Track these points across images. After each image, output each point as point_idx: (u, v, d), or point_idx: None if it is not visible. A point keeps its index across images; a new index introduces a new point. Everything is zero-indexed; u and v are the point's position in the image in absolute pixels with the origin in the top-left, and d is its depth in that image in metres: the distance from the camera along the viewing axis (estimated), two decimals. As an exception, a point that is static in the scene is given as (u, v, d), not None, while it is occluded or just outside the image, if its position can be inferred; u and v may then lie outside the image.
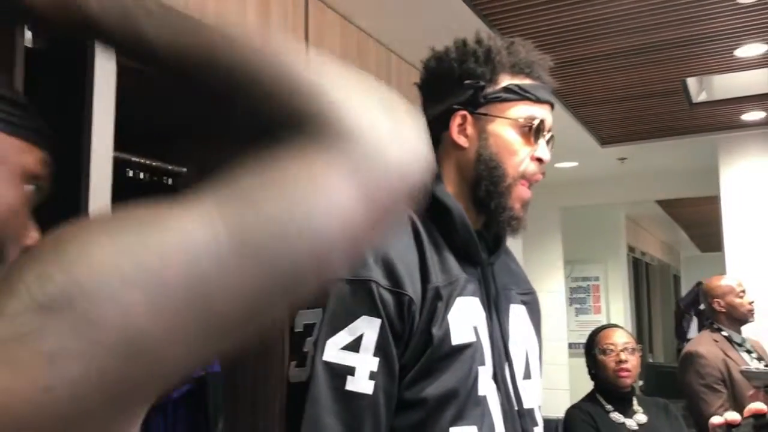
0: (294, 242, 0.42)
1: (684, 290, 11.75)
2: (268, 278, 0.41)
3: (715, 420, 0.99)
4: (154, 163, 2.38)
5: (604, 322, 6.66)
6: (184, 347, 0.41)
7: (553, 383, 6.12)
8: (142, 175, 2.41)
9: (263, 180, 0.42)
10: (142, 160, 2.33)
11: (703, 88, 4.21)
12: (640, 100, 4.14)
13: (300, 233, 0.42)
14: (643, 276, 9.19)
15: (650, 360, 9.06)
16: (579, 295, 7.71)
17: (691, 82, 3.96)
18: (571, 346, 6.47)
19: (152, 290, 0.39)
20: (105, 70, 1.54)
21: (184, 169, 2.48)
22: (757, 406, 0.97)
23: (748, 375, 1.82)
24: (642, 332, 8.81)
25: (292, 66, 0.46)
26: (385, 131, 0.46)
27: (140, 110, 2.33)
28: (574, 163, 5.72)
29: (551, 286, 6.50)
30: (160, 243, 0.39)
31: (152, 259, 0.39)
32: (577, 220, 6.92)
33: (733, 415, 0.98)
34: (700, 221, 8.82)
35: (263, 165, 0.43)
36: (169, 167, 2.44)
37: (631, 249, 8.24)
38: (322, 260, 0.43)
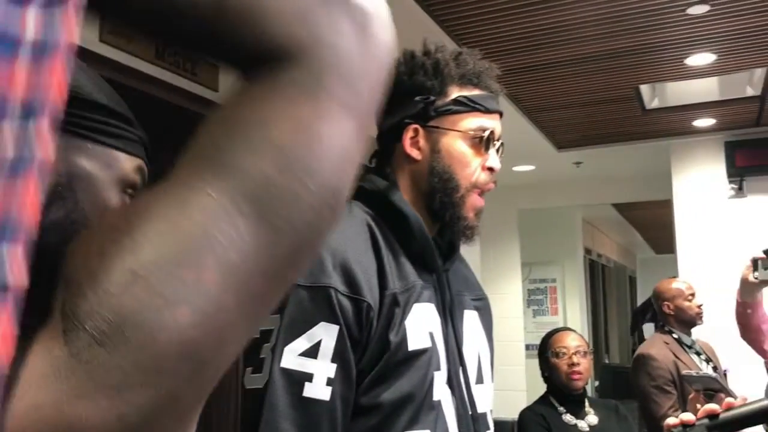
0: (306, 199, 0.41)
1: (640, 292, 11.99)
2: (290, 242, 0.41)
3: (671, 421, 1.04)
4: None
5: (561, 324, 6.77)
6: (236, 341, 0.42)
7: (510, 384, 6.19)
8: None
9: (257, 141, 0.40)
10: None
11: (656, 95, 4.31)
12: (594, 106, 4.22)
13: (310, 189, 0.41)
14: (599, 278, 9.36)
15: (606, 361, 9.22)
16: (536, 297, 7.81)
17: (644, 89, 4.05)
18: (528, 347, 6.55)
19: (196, 301, 0.39)
20: None
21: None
22: (711, 406, 1.03)
23: (689, 379, 1.87)
24: (598, 333, 8.97)
25: None
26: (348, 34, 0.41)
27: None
28: (531, 167, 5.80)
29: (508, 288, 6.57)
30: (187, 249, 0.39)
31: (187, 271, 0.39)
32: (534, 222, 7.02)
33: (688, 416, 1.03)
34: (654, 224, 9.02)
35: (251, 119, 0.40)
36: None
37: (587, 251, 8.39)
38: (333, 203, 0.43)
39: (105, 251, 0.40)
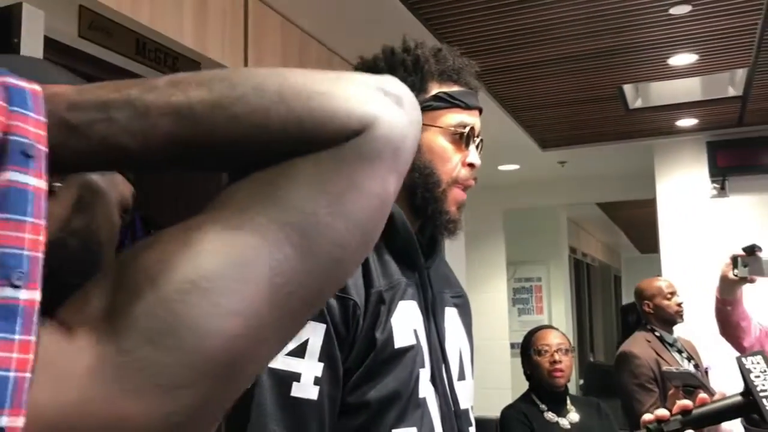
0: (345, 238, 0.49)
1: (625, 291, 12.07)
2: (326, 272, 0.49)
3: (646, 417, 1.06)
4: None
5: (547, 323, 6.80)
6: (268, 355, 0.49)
7: (496, 382, 6.21)
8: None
9: (314, 187, 0.48)
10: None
11: (639, 95, 4.34)
12: (578, 106, 4.24)
13: (350, 231, 0.49)
14: (584, 277, 9.41)
15: (591, 359, 9.27)
16: (522, 296, 7.84)
17: (628, 89, 4.07)
18: (513, 346, 6.57)
19: (245, 314, 0.44)
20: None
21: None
22: (684, 402, 1.05)
23: (669, 375, 1.89)
24: (583, 332, 9.02)
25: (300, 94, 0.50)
26: (394, 113, 0.51)
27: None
28: (516, 166, 5.82)
29: (494, 287, 6.59)
30: (242, 268, 0.45)
31: (241, 286, 0.44)
32: (519, 222, 7.04)
33: (662, 412, 1.05)
34: (639, 223, 9.08)
35: (302, 173, 0.48)
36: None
37: (572, 250, 8.43)
38: (367, 243, 0.52)
39: (165, 260, 0.44)
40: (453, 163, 1.20)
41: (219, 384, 0.45)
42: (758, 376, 1.04)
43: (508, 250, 6.70)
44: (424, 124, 1.20)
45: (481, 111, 1.27)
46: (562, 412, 2.58)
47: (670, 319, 3.26)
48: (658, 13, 2.92)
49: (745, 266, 2.39)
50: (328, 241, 0.48)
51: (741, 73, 3.83)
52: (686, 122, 4.70)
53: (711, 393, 1.14)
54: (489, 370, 6.32)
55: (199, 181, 2.36)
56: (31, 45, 1.51)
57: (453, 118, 1.21)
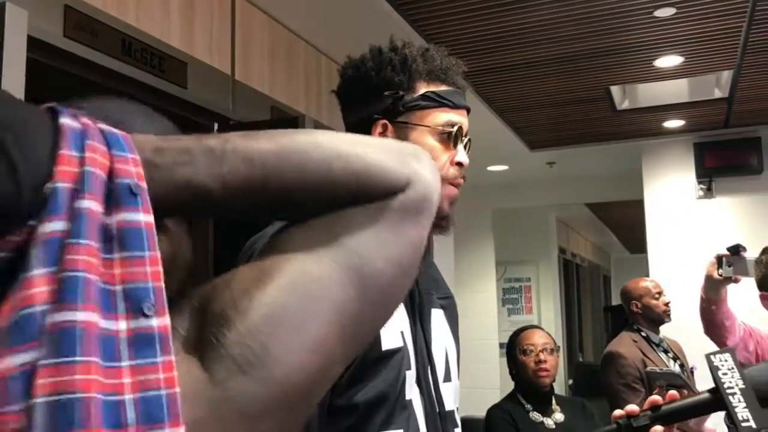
0: (394, 278, 0.57)
1: (614, 291, 12.11)
2: (378, 309, 0.56)
3: (617, 412, 1.07)
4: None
5: (536, 323, 6.82)
6: (332, 383, 0.55)
7: (485, 382, 6.22)
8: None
9: (370, 235, 0.55)
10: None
11: (626, 97, 4.36)
12: (566, 107, 4.26)
13: (397, 272, 0.57)
14: (573, 277, 9.43)
15: (580, 359, 9.30)
16: (511, 296, 7.86)
17: (615, 90, 4.09)
18: (502, 346, 6.54)
19: (321, 350, 0.49)
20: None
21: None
22: (654, 398, 1.07)
23: (653, 376, 1.91)
24: (572, 332, 9.04)
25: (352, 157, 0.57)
26: (427, 175, 0.60)
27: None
28: (505, 167, 5.84)
29: (483, 287, 6.60)
30: (317, 306, 0.50)
31: (318, 325, 0.50)
32: (508, 222, 7.06)
33: (632, 407, 1.07)
34: (628, 224, 9.11)
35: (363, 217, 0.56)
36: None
37: (562, 250, 8.45)
38: (408, 282, 0.60)
39: (251, 295, 0.49)
40: (441, 163, 1.20)
41: (294, 414, 0.49)
42: (726, 374, 1.05)
43: (498, 250, 6.71)
44: (412, 124, 1.21)
45: (468, 110, 1.27)
46: (547, 411, 2.60)
47: (658, 318, 3.28)
48: (643, 15, 2.94)
49: (729, 266, 2.41)
50: (381, 282, 0.55)
51: (727, 75, 3.86)
52: (673, 123, 4.73)
53: (695, 393, 1.15)
54: (478, 369, 6.34)
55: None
56: (15, 45, 1.51)
57: (441, 117, 1.21)
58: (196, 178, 0.51)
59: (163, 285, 0.46)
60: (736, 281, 2.44)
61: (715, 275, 2.44)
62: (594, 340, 10.42)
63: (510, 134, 4.77)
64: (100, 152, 0.46)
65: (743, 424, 1.00)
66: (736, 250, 2.42)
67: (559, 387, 7.07)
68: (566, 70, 3.60)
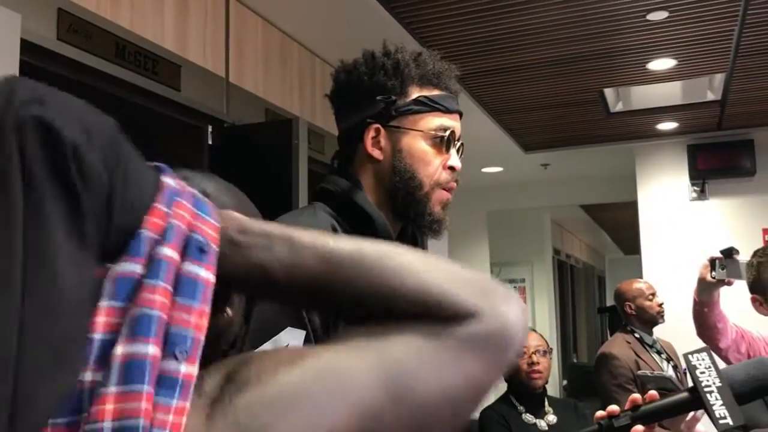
0: (433, 403, 0.54)
1: (608, 292, 12.13)
2: (412, 424, 0.54)
3: (599, 413, 1.10)
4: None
5: (530, 324, 6.82)
6: None
7: (479, 383, 6.22)
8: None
9: (415, 349, 0.54)
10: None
11: (620, 99, 4.38)
12: (560, 109, 4.28)
13: (437, 398, 0.54)
14: (568, 278, 9.45)
15: (574, 360, 9.32)
16: (506, 297, 7.87)
17: (609, 93, 4.11)
18: (496, 347, 6.60)
19: None
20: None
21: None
22: (635, 397, 1.09)
23: (644, 379, 1.92)
24: (566, 333, 9.06)
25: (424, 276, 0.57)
26: (503, 311, 0.58)
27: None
28: (499, 169, 5.85)
29: (478, 289, 6.61)
30: (344, 396, 0.50)
31: (340, 416, 0.50)
32: (503, 223, 7.07)
33: (613, 408, 1.09)
34: (622, 225, 9.14)
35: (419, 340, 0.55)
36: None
37: (556, 251, 8.47)
38: (455, 416, 0.57)
39: (279, 371, 0.50)
40: (434, 167, 1.21)
41: None
42: (703, 372, 1.07)
43: (492, 251, 6.72)
44: (404, 128, 1.22)
45: (461, 115, 1.28)
46: (539, 413, 2.61)
47: (651, 319, 3.29)
48: (636, 18, 2.95)
49: (722, 269, 2.42)
50: (419, 401, 0.53)
51: (719, 78, 3.88)
52: (667, 126, 4.75)
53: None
54: (472, 371, 6.34)
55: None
56: (8, 48, 1.51)
57: (433, 121, 1.22)
58: (269, 264, 0.55)
59: (202, 338, 0.48)
60: (729, 284, 2.45)
61: (708, 278, 2.45)
62: (588, 341, 10.44)
63: (504, 136, 4.78)
64: (187, 210, 0.51)
65: (720, 421, 1.03)
66: (729, 253, 2.42)
67: (553, 388, 7.08)
68: (560, 73, 3.62)
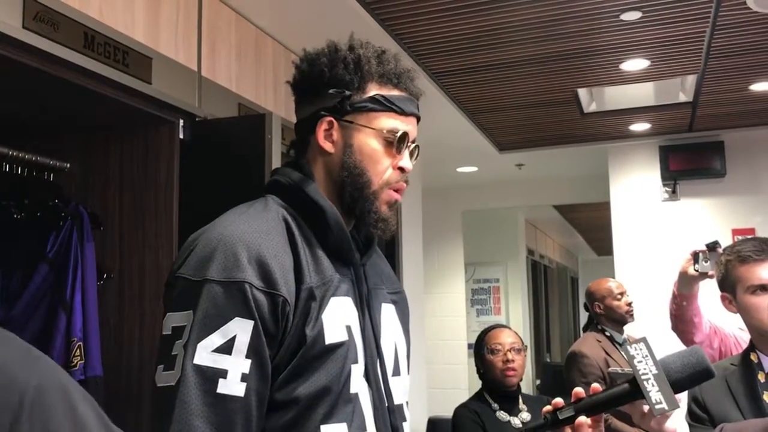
0: None
1: (581, 292, 12.25)
2: None
3: (546, 408, 1.14)
4: (33, 158, 2.27)
5: (504, 323, 6.85)
6: None
7: (453, 383, 6.25)
8: (20, 170, 2.30)
9: None
10: (20, 154, 2.22)
11: (593, 99, 4.41)
12: (534, 109, 4.30)
13: None
14: (541, 278, 9.51)
15: (547, 359, 9.38)
16: (480, 297, 7.90)
17: (582, 93, 4.14)
18: (470, 346, 6.58)
19: None
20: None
21: (67, 165, 2.38)
22: (577, 390, 1.12)
23: (614, 376, 1.93)
24: (540, 333, 9.11)
25: None
26: None
27: (16, 102, 2.21)
28: (474, 168, 5.87)
29: (452, 288, 6.63)
30: None
31: None
32: (477, 223, 7.10)
33: (558, 401, 1.13)
34: (595, 226, 9.22)
35: None
36: (50, 162, 2.34)
37: (530, 252, 8.52)
38: None
39: None
40: (383, 166, 1.21)
41: None
42: (641, 361, 1.10)
43: (467, 251, 6.74)
44: (357, 124, 1.21)
45: (419, 119, 1.28)
46: (513, 411, 2.61)
47: (620, 319, 3.32)
48: (609, 18, 2.97)
49: (706, 262, 2.45)
50: None
51: (691, 80, 3.92)
52: (639, 127, 4.79)
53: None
54: (446, 370, 6.36)
55: (145, 184, 2.32)
56: (-29, 35, 1.46)
57: (387, 122, 1.21)
58: None
59: None
60: (711, 277, 2.48)
61: (690, 271, 2.48)
62: (561, 341, 10.52)
63: (479, 136, 4.79)
64: None
65: (656, 406, 1.06)
66: (713, 247, 2.46)
67: (527, 387, 7.11)
68: (534, 72, 3.63)
